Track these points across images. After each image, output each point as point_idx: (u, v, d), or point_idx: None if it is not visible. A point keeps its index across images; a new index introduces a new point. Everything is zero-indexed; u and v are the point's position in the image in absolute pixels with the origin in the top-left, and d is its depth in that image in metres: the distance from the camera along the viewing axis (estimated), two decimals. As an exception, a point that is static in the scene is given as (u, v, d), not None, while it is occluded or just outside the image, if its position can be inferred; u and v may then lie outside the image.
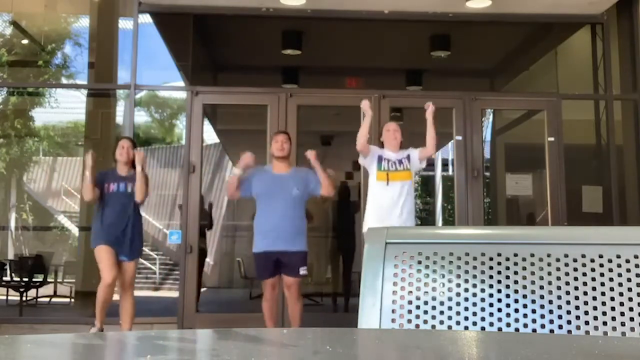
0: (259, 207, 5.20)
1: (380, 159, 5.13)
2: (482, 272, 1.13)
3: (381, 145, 5.29)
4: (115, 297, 5.41)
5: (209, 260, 14.25)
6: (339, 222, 9.55)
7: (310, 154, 5.19)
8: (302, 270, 5.13)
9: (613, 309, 1.08)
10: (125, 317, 5.34)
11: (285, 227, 5.05)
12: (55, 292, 9.85)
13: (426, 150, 5.17)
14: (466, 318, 1.11)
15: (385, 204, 4.99)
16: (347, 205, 8.84)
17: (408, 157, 5.17)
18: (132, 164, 5.32)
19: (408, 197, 5.10)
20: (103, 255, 5.16)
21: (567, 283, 1.11)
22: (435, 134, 5.14)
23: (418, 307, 1.13)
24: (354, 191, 8.61)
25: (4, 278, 9.21)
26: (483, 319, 1.11)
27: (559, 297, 1.10)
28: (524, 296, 1.11)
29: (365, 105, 5.20)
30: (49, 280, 9.75)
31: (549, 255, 1.14)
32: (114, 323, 5.83)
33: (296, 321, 5.16)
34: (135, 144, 5.49)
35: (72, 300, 9.33)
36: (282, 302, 5.73)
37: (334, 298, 9.22)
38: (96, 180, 5.26)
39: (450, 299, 1.12)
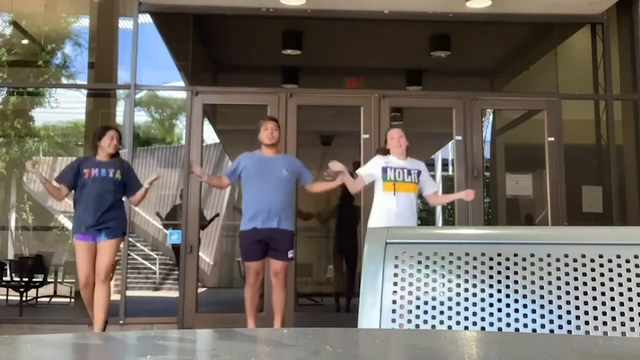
0: (247, 189, 5.21)
1: (384, 170, 5.02)
2: (482, 272, 1.13)
3: (387, 152, 5.20)
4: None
5: (208, 260, 14.26)
6: (342, 223, 9.54)
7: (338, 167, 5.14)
8: (290, 254, 5.13)
9: (613, 309, 1.08)
10: (96, 310, 5.10)
11: (273, 207, 5.04)
12: (55, 292, 9.86)
13: (431, 198, 5.36)
14: (466, 318, 1.11)
15: (392, 211, 4.91)
16: (350, 206, 8.83)
17: (418, 174, 5.09)
18: (114, 154, 5.32)
19: (413, 208, 5.05)
20: (80, 253, 5.10)
21: (567, 283, 1.11)
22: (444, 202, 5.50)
23: (418, 307, 1.13)
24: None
25: (4, 278, 9.21)
26: (483, 319, 1.11)
27: (559, 297, 1.10)
28: (524, 296, 1.11)
29: (336, 167, 5.10)
30: (49, 280, 9.76)
31: (549, 255, 1.14)
32: (114, 323, 5.84)
33: (280, 309, 5.10)
34: (120, 135, 5.46)
35: (72, 300, 9.33)
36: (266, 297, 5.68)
37: (336, 298, 9.22)
38: (72, 168, 5.23)
39: (450, 299, 1.12)
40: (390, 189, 4.97)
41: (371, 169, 5.13)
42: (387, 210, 4.93)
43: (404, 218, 4.89)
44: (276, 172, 5.11)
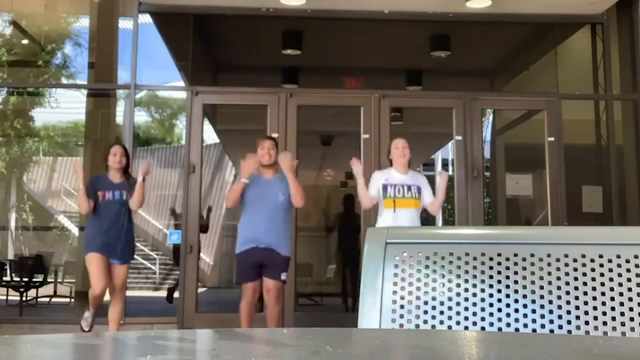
0: (245, 211, 5.14)
1: (385, 187, 4.95)
2: (482, 272, 1.13)
3: (389, 163, 5.15)
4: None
5: (208, 260, 14.26)
6: (343, 225, 9.54)
7: (284, 161, 5.08)
8: (283, 276, 5.08)
9: (613, 309, 1.08)
10: (111, 322, 5.31)
11: (270, 232, 5.01)
12: (55, 292, 9.86)
13: (431, 207, 5.12)
14: (466, 318, 1.11)
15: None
16: (350, 210, 8.82)
17: (419, 189, 5.01)
18: (124, 170, 5.29)
19: (415, 224, 4.94)
20: (93, 264, 5.13)
21: (567, 283, 1.11)
22: (442, 201, 5.15)
23: (418, 307, 1.13)
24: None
25: (4, 278, 9.21)
26: (483, 319, 1.11)
27: (559, 297, 1.10)
28: (524, 296, 1.11)
29: (355, 166, 5.09)
30: (49, 280, 9.76)
31: (549, 255, 1.13)
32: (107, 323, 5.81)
33: (273, 324, 5.10)
34: (127, 150, 5.41)
35: (72, 300, 9.33)
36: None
37: (344, 299, 9.17)
38: (89, 188, 5.20)
39: (450, 299, 1.12)
40: (390, 205, 4.92)
41: (374, 187, 5.04)
42: (387, 226, 4.86)
43: None
44: (273, 197, 5.04)
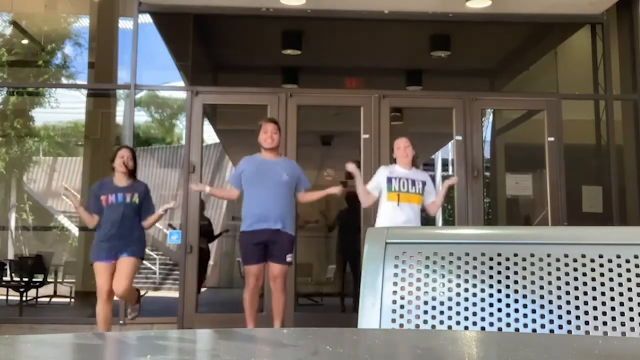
0: (247, 193, 5.12)
1: (389, 180, 5.02)
2: (482, 272, 1.13)
3: (393, 161, 5.24)
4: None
5: (208, 260, 14.24)
6: (343, 225, 9.53)
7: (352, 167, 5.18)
8: (289, 257, 5.04)
9: (613, 309, 1.08)
10: (100, 321, 5.21)
11: (274, 211, 4.97)
12: (55, 292, 9.86)
13: (430, 207, 5.22)
14: (466, 318, 1.11)
15: (395, 222, 4.88)
16: (351, 208, 8.80)
17: (423, 184, 5.09)
18: (131, 174, 5.27)
19: (417, 219, 5.03)
20: (100, 275, 5.11)
21: (567, 283, 1.11)
22: (440, 204, 5.29)
23: (418, 307, 1.13)
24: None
25: (4, 278, 9.21)
26: (483, 319, 1.11)
27: (559, 297, 1.10)
28: (524, 296, 1.11)
29: (350, 167, 5.14)
30: (49, 280, 9.76)
31: (549, 255, 1.13)
32: (114, 323, 5.83)
33: (279, 314, 5.04)
34: (134, 153, 5.42)
35: (72, 300, 9.33)
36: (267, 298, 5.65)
37: (342, 299, 9.18)
38: (91, 198, 5.22)
39: (450, 299, 1.12)
40: (394, 199, 4.96)
41: (377, 181, 5.11)
42: (390, 221, 4.92)
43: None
44: (276, 177, 5.03)
